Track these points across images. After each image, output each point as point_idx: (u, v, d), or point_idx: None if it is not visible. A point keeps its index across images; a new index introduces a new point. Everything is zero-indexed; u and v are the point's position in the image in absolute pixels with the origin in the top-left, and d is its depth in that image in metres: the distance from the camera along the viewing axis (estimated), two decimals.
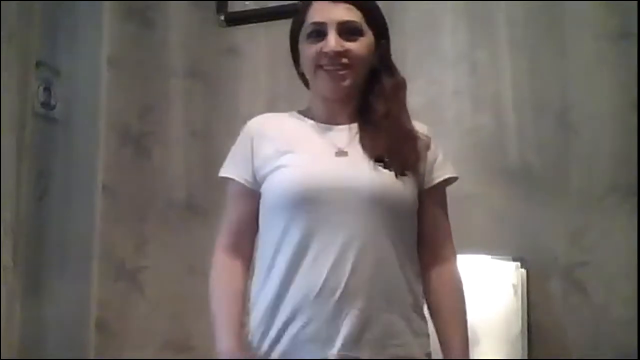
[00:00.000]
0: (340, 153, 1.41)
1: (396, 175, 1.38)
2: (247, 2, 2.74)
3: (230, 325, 1.36)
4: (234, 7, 2.77)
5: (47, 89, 2.66)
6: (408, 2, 2.52)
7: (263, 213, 1.43)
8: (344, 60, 1.42)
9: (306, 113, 1.52)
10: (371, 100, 1.46)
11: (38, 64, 2.61)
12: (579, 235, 2.30)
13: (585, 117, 2.33)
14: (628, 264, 2.23)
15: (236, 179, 1.46)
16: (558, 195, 2.33)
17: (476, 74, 2.47)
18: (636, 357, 1.63)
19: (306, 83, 1.55)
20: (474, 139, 2.43)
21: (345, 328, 1.29)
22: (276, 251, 1.36)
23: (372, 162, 1.38)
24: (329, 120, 1.48)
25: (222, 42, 2.76)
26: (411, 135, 1.44)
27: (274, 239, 1.37)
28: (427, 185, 1.45)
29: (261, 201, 1.43)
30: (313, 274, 1.32)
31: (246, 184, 1.45)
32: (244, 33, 2.76)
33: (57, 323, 2.67)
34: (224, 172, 1.49)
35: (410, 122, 1.47)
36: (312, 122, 1.49)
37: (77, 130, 2.74)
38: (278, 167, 1.40)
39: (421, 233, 1.44)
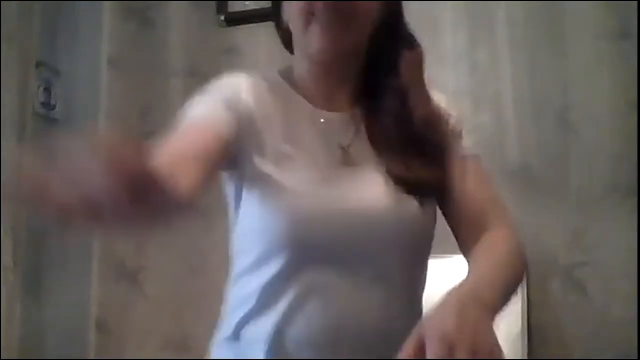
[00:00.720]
0: (347, 159, 1.13)
1: (420, 203, 1.10)
2: (247, 2, 2.74)
3: None
4: (234, 7, 2.77)
5: (47, 89, 2.66)
6: (408, 2, 2.51)
7: (255, 237, 1.11)
8: (344, 8, 1.09)
9: (294, 85, 1.19)
10: (380, 78, 1.17)
11: (38, 64, 2.61)
12: (579, 235, 2.30)
13: (585, 117, 2.33)
14: (628, 264, 2.23)
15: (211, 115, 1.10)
16: (558, 195, 2.33)
17: (476, 74, 2.47)
18: (636, 357, 1.62)
19: (288, 44, 1.24)
20: (474, 139, 2.43)
21: None
22: (269, 293, 1.09)
23: (387, 178, 1.11)
24: (325, 101, 1.17)
25: (222, 42, 2.76)
26: (438, 131, 1.15)
27: (267, 279, 1.09)
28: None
29: (248, 204, 1.12)
30: (313, 322, 1.06)
31: (224, 130, 1.08)
32: (244, 33, 2.76)
33: (57, 323, 2.67)
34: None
35: (432, 103, 1.18)
36: (305, 103, 1.17)
37: (77, 130, 2.73)
38: (277, 185, 1.08)
39: (456, 214, 1.14)
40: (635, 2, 2.29)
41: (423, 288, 1.16)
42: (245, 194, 1.13)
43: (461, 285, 0.90)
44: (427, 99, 1.17)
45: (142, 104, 2.81)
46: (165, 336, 2.61)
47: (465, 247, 1.10)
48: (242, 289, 1.13)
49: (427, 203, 1.12)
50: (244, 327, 1.12)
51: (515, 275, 1.03)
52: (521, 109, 2.40)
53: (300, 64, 1.19)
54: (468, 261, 1.04)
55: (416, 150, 1.12)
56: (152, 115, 2.80)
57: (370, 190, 1.10)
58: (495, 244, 1.06)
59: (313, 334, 1.06)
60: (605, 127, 2.31)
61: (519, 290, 2.27)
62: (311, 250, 1.06)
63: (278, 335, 1.07)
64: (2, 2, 2.41)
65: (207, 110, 1.11)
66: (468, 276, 0.95)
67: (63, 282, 2.67)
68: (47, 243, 2.66)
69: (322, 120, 1.16)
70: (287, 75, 1.21)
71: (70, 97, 2.73)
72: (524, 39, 2.42)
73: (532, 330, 2.29)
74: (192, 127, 1.07)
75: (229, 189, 1.18)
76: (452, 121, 1.20)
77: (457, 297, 0.86)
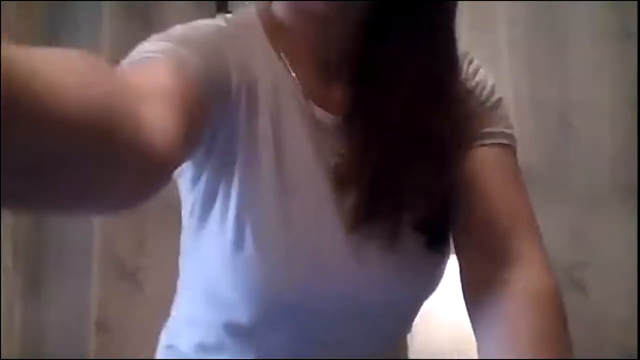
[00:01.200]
0: (340, 184, 0.83)
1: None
2: (247, 2, 2.74)
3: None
4: (234, 7, 2.77)
5: None
6: None
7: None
8: None
9: (283, 53, 0.86)
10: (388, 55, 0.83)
11: None
12: (579, 235, 2.30)
13: (586, 117, 2.33)
14: (628, 263, 2.22)
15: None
16: (558, 195, 2.32)
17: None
18: (636, 357, 1.62)
19: None
20: None
21: None
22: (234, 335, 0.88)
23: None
24: (318, 88, 0.86)
25: None
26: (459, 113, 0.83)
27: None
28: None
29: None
30: None
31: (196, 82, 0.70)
32: None
33: (57, 323, 2.67)
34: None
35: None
36: (296, 86, 0.84)
37: None
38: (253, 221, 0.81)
39: (464, 223, 0.83)
40: (635, 2, 2.29)
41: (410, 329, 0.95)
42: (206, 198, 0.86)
43: None
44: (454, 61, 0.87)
45: None
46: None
47: (472, 299, 0.78)
48: (196, 332, 0.94)
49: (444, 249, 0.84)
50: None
51: (564, 344, 0.70)
52: (521, 109, 2.39)
53: (288, 19, 0.86)
54: (480, 334, 0.74)
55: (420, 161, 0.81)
56: None
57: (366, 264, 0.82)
58: (525, 309, 0.72)
59: None
60: (606, 126, 2.30)
61: None
62: (276, 318, 0.84)
63: None
64: (2, 2, 2.40)
65: (178, 52, 0.73)
66: None
67: (63, 282, 2.66)
68: (46, 243, 2.65)
69: (315, 115, 0.84)
70: (271, 31, 0.88)
71: None
72: (524, 39, 2.42)
73: None
74: (161, 66, 0.68)
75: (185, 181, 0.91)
76: (486, 92, 0.91)
77: None
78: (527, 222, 0.82)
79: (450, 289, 0.87)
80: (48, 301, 2.63)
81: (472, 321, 0.78)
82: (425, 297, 0.87)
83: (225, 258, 0.83)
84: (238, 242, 0.81)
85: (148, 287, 2.70)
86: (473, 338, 0.76)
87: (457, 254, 0.83)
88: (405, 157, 0.80)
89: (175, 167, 0.67)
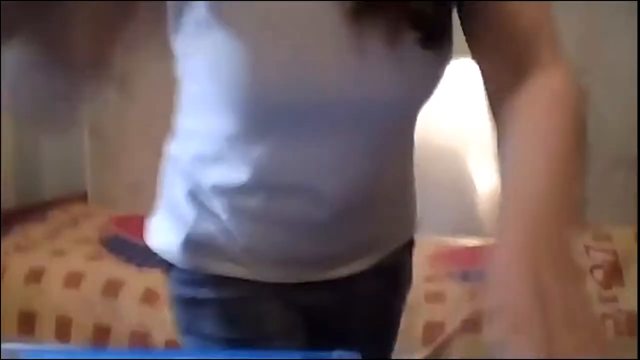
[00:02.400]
0: None
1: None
2: None
3: None
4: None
5: None
6: None
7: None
8: None
9: None
10: None
11: None
12: (585, 41, 2.24)
13: None
14: (631, 70, 2.20)
15: None
16: None
17: None
18: (636, 357, 1.63)
19: None
20: None
21: (321, 245, 0.90)
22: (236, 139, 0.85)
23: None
24: None
25: None
26: None
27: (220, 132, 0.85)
28: None
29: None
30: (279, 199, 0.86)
31: None
32: None
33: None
34: None
35: None
36: None
37: None
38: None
39: (487, 41, 0.79)
40: (635, 2, 2.12)
41: (413, 132, 0.93)
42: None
43: (518, 221, 0.60)
44: None
45: None
46: (159, 143, 2.59)
47: (497, 95, 0.78)
48: (195, 143, 0.91)
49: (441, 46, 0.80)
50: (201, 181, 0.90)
51: (581, 148, 0.70)
52: None
53: None
54: (503, 131, 0.73)
55: None
56: None
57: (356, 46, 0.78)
58: (550, 110, 0.72)
59: (281, 182, 0.86)
60: None
61: None
62: (274, 114, 0.81)
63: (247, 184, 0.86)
64: (1, 1, 2.18)
65: None
66: (521, 193, 0.64)
67: None
68: None
69: None
70: None
71: None
72: None
73: None
74: None
75: None
76: None
77: (523, 251, 0.57)
78: (548, 30, 0.79)
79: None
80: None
81: (496, 123, 0.77)
82: (423, 98, 0.84)
83: (216, 53, 0.79)
84: (213, 22, 0.77)
85: (138, 93, 2.64)
86: (462, 146, 0.75)
87: (478, 62, 0.80)
88: None
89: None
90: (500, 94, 0.77)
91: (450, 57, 0.82)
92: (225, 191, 0.87)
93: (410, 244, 1.03)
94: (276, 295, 0.92)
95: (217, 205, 0.88)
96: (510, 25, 0.77)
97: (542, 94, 0.74)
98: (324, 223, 0.87)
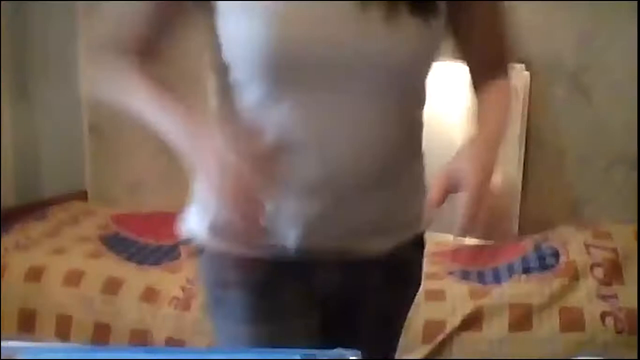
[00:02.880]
0: None
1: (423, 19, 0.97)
2: None
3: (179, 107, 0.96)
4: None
5: None
6: None
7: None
8: None
9: None
10: None
11: None
12: (587, 39, 2.23)
13: None
14: (632, 69, 2.19)
15: None
16: None
17: None
18: (636, 356, 1.64)
19: None
20: None
21: (337, 212, 1.00)
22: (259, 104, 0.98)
23: None
24: None
25: None
26: None
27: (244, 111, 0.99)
28: None
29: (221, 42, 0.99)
30: (295, 161, 0.97)
31: None
32: None
33: (50, 128, 2.65)
34: None
35: None
36: None
37: None
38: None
39: (464, 41, 1.06)
40: (635, 2, 2.13)
41: (421, 107, 1.07)
42: None
43: (479, 135, 1.00)
44: None
45: None
46: (159, 141, 2.59)
47: (476, 81, 1.10)
48: (227, 110, 1.02)
49: (432, 19, 0.98)
50: None
51: (508, 122, 1.09)
52: None
53: None
54: (478, 99, 1.09)
55: None
56: None
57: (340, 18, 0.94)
58: (502, 100, 1.09)
59: (304, 140, 0.97)
60: None
61: (521, 93, 2.25)
62: (297, 70, 0.94)
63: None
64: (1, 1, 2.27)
65: None
66: (482, 126, 1.02)
67: (52, 86, 2.61)
68: (31, 47, 2.57)
69: None
70: None
71: None
72: None
73: (531, 134, 2.29)
74: None
75: None
76: None
77: (478, 144, 0.97)
78: (509, 44, 1.11)
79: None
80: (38, 105, 2.59)
81: (476, 95, 1.09)
82: (422, 64, 1.01)
83: (248, 22, 0.94)
84: None
85: None
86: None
87: (463, 55, 1.08)
88: None
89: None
90: (480, 82, 1.08)
91: (443, 32, 1.01)
92: None
93: (421, 244, 1.13)
94: (294, 278, 1.03)
95: None
96: (487, 42, 1.07)
97: (503, 88, 1.09)
98: (337, 188, 0.98)
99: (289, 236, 1.00)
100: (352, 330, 1.09)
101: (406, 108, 1.03)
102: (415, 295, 1.16)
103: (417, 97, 1.05)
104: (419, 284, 1.15)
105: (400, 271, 1.11)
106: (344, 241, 1.02)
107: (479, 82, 1.09)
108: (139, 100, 0.99)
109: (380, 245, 1.04)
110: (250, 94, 0.97)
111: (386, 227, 1.05)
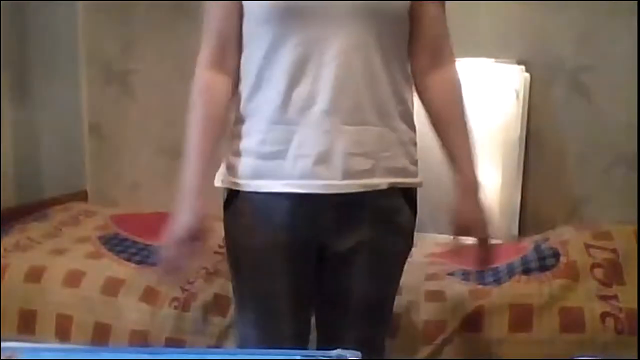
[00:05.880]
0: None
1: None
2: None
3: (198, 175, 1.27)
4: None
5: None
6: None
7: (246, 25, 1.29)
8: None
9: None
10: None
11: None
12: (587, 39, 2.23)
13: None
14: (632, 69, 2.20)
15: None
16: None
17: None
18: (636, 356, 1.64)
19: None
20: None
21: (340, 143, 1.23)
22: (264, 67, 1.26)
23: None
24: None
25: None
26: None
27: (261, 54, 1.26)
28: None
29: (244, 12, 1.28)
30: (299, 90, 1.23)
31: None
32: None
33: (50, 129, 2.65)
34: None
35: None
36: None
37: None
38: None
39: (416, 34, 1.31)
40: (635, 2, 2.14)
41: (405, 56, 1.31)
42: None
43: (467, 175, 1.33)
44: None
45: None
46: (159, 141, 2.59)
47: (418, 65, 1.32)
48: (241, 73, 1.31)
49: None
50: (247, 106, 1.29)
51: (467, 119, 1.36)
52: None
53: None
54: (424, 96, 1.34)
55: None
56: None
57: None
58: (456, 108, 1.34)
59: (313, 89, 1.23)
60: None
61: (522, 94, 2.25)
62: (298, 15, 1.22)
63: (282, 97, 1.24)
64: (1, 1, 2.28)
65: None
66: (460, 161, 1.34)
67: (52, 88, 2.61)
68: (31, 47, 2.57)
69: None
70: None
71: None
72: None
73: (531, 135, 2.29)
74: (220, 9, 1.30)
75: None
76: None
77: (473, 191, 1.32)
78: (448, 36, 1.35)
79: None
80: (39, 106, 2.59)
81: (417, 90, 1.34)
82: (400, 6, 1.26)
83: None
84: None
85: (138, 90, 2.64)
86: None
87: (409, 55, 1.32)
88: None
89: None
90: (419, 66, 1.32)
91: None
92: (260, 105, 1.27)
93: (412, 199, 1.33)
94: (302, 221, 1.27)
95: (253, 128, 1.27)
96: (428, 31, 1.31)
97: (446, 86, 1.35)
98: (335, 114, 1.22)
99: (297, 167, 1.23)
100: (346, 287, 1.31)
101: (387, 42, 1.25)
102: (405, 253, 1.37)
103: (399, 33, 1.28)
104: (410, 243, 1.37)
105: (390, 216, 1.31)
106: (345, 174, 1.24)
107: (424, 66, 1.32)
108: (189, 145, 1.29)
109: (374, 184, 1.26)
110: (261, 40, 1.24)
111: (382, 166, 1.26)
